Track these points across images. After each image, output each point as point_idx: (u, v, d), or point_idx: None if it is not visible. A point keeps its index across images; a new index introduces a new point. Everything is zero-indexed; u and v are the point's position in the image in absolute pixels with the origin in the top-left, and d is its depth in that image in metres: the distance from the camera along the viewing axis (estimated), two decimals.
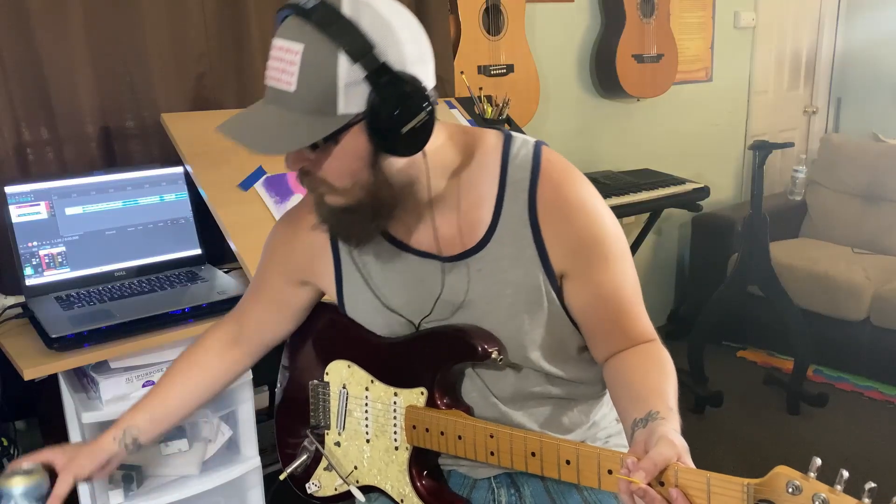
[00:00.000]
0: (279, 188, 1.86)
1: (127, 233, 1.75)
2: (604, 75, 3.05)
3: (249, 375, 1.66)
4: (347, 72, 0.84)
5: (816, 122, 4.28)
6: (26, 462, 1.08)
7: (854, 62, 4.18)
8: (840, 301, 3.06)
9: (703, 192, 2.90)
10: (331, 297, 1.14)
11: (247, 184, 1.83)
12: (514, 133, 1.05)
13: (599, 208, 1.01)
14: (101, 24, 1.82)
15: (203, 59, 2.00)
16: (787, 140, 3.05)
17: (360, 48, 0.84)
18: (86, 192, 1.71)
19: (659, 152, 3.38)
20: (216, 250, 1.86)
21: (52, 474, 1.09)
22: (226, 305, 1.61)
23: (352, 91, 0.85)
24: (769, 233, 2.79)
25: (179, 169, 1.83)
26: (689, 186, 2.88)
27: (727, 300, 2.93)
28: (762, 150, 2.70)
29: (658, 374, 0.97)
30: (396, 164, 0.92)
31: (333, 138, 0.88)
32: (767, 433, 2.74)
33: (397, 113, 0.86)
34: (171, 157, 1.85)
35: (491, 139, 1.04)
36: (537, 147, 1.02)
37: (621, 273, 1.02)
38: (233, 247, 1.71)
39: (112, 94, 1.87)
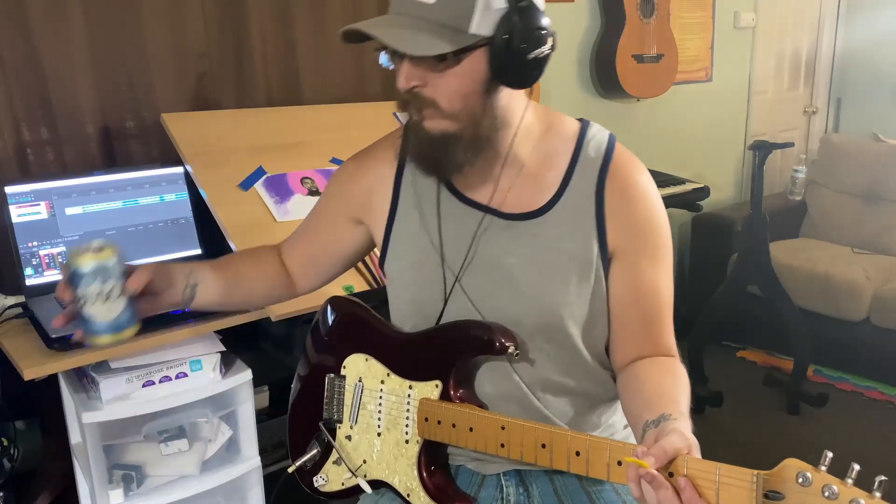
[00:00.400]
0: (279, 188, 1.86)
1: (127, 233, 1.75)
2: (604, 75, 3.05)
3: (249, 375, 1.66)
4: None
5: (816, 122, 4.28)
6: (95, 241, 0.99)
7: (854, 62, 4.18)
8: (840, 301, 3.06)
9: (703, 192, 2.90)
10: (377, 240, 1.16)
11: (247, 184, 1.83)
12: (591, 122, 1.11)
13: (660, 206, 1.06)
14: (101, 24, 1.83)
15: (203, 59, 2.00)
16: (787, 140, 3.05)
17: None
18: (86, 192, 1.71)
19: (659, 152, 3.38)
20: (216, 250, 1.85)
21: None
22: None
23: (487, 14, 0.89)
24: (769, 233, 2.79)
25: (179, 169, 1.83)
26: (689, 186, 2.88)
27: (727, 300, 2.92)
28: (762, 150, 2.70)
29: (672, 383, 0.99)
30: (501, 100, 0.96)
31: (458, 57, 0.91)
32: (767, 433, 2.74)
33: (525, 42, 0.90)
34: (171, 157, 1.85)
35: (570, 120, 1.10)
36: (612, 137, 1.08)
37: (664, 274, 1.05)
38: (233, 247, 1.70)
39: (112, 94, 1.87)
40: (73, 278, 0.97)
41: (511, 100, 0.99)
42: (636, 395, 1.01)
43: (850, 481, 0.72)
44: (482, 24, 0.90)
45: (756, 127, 3.90)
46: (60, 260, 1.66)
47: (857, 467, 0.72)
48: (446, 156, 0.98)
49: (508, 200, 1.05)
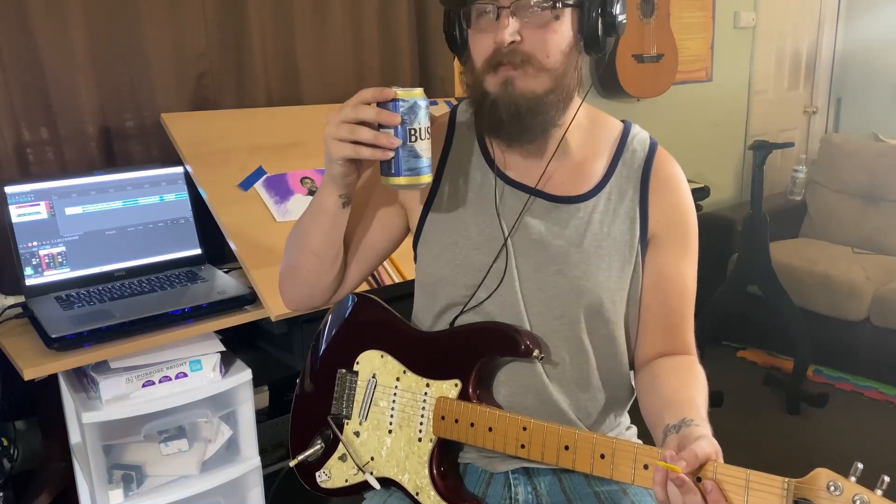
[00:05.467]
0: (279, 188, 1.86)
1: (127, 233, 1.75)
2: (604, 75, 3.05)
3: (249, 375, 1.67)
4: None
5: (816, 122, 4.28)
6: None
7: (854, 62, 4.18)
8: (840, 301, 3.06)
9: (703, 192, 2.90)
10: (413, 218, 1.13)
11: (247, 184, 1.83)
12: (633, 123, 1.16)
13: (693, 202, 1.12)
14: (101, 24, 1.82)
15: (203, 59, 2.00)
16: (787, 140, 3.05)
17: None
18: (86, 192, 1.71)
19: None
20: (216, 250, 1.86)
21: None
22: (226, 305, 1.62)
23: None
24: (769, 233, 2.79)
25: (179, 169, 1.83)
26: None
27: (727, 300, 2.93)
28: (762, 150, 2.70)
29: (693, 386, 1.00)
30: (580, 66, 1.02)
31: (559, 12, 0.97)
32: (767, 433, 2.74)
33: (610, 9, 0.98)
34: (171, 157, 1.85)
35: (613, 119, 1.14)
36: (654, 139, 1.13)
37: (690, 268, 1.09)
38: (233, 247, 1.71)
39: (112, 94, 1.87)
40: (411, 111, 0.94)
41: (577, 76, 1.03)
42: (656, 395, 1.01)
43: (879, 492, 0.72)
44: None
45: (756, 127, 3.90)
46: (61, 260, 1.66)
47: (887, 479, 0.73)
48: (534, 116, 1.00)
49: (554, 184, 1.07)
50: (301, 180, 1.91)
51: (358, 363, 1.17)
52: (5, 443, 1.65)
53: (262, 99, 2.10)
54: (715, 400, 2.85)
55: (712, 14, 3.51)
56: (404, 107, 0.94)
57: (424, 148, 0.96)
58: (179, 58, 1.96)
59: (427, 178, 0.97)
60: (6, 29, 1.70)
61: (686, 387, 1.00)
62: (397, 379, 1.12)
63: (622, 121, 1.14)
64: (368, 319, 1.19)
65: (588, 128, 1.10)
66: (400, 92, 0.94)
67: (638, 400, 1.09)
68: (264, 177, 1.86)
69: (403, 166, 0.95)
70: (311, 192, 1.89)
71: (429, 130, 0.96)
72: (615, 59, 2.96)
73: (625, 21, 1.01)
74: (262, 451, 1.72)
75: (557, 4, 0.96)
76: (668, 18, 3.12)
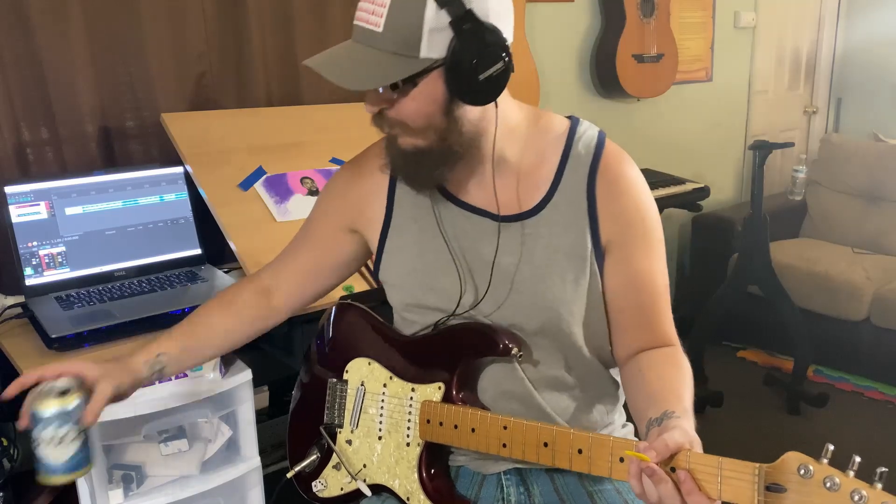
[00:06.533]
0: (279, 188, 1.86)
1: (127, 233, 1.75)
2: (604, 75, 3.05)
3: (249, 375, 1.66)
4: (434, 17, 0.89)
5: (816, 122, 4.28)
6: (61, 380, 0.99)
7: (854, 62, 4.18)
8: (840, 301, 3.06)
9: (703, 192, 2.90)
10: (372, 247, 1.16)
11: (247, 184, 1.83)
12: (581, 118, 1.11)
13: (650, 197, 1.07)
14: (101, 24, 1.82)
15: (203, 59, 2.00)
16: (787, 140, 3.05)
17: None
18: (86, 192, 1.71)
19: (659, 152, 3.38)
20: (216, 250, 1.86)
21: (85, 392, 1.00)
22: None
23: (435, 36, 0.90)
24: (769, 233, 2.79)
25: (179, 169, 1.83)
26: (689, 186, 2.88)
27: (727, 300, 2.92)
28: (762, 150, 2.70)
29: (676, 377, 0.99)
30: (469, 113, 0.97)
31: (413, 80, 0.92)
32: (767, 433, 2.74)
33: (476, 61, 0.91)
34: (171, 157, 1.85)
35: (558, 118, 1.11)
36: (601, 133, 1.09)
37: (657, 262, 1.06)
38: (233, 247, 1.70)
39: (112, 94, 1.87)
40: (32, 418, 0.97)
41: (485, 109, 0.98)
42: (640, 390, 1.01)
43: (851, 473, 0.72)
44: (432, 47, 0.90)
45: (756, 127, 3.90)
46: (61, 260, 1.66)
47: (858, 459, 0.73)
48: (419, 170, 1.00)
49: (503, 201, 1.06)
50: (301, 180, 1.91)
51: (347, 372, 1.18)
52: (5, 443, 1.65)
53: (262, 99, 2.10)
54: (715, 400, 2.86)
55: (712, 14, 3.51)
56: (34, 417, 0.96)
57: (52, 454, 0.97)
58: (179, 58, 1.96)
59: (64, 478, 0.98)
60: (6, 29, 1.70)
61: (669, 379, 0.99)
62: (384, 385, 1.13)
63: (569, 117, 1.11)
64: (354, 328, 1.19)
65: (530, 134, 1.07)
66: (34, 401, 0.96)
67: (625, 394, 1.09)
68: (264, 177, 1.86)
69: (41, 467, 0.98)
70: (311, 192, 1.89)
71: (62, 437, 0.96)
72: (615, 59, 2.96)
73: (498, 70, 0.93)
74: (262, 452, 1.72)
75: (398, 85, 0.92)
76: (668, 18, 3.12)
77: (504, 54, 0.93)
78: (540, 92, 2.74)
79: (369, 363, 1.15)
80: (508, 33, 0.96)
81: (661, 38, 3.09)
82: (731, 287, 2.92)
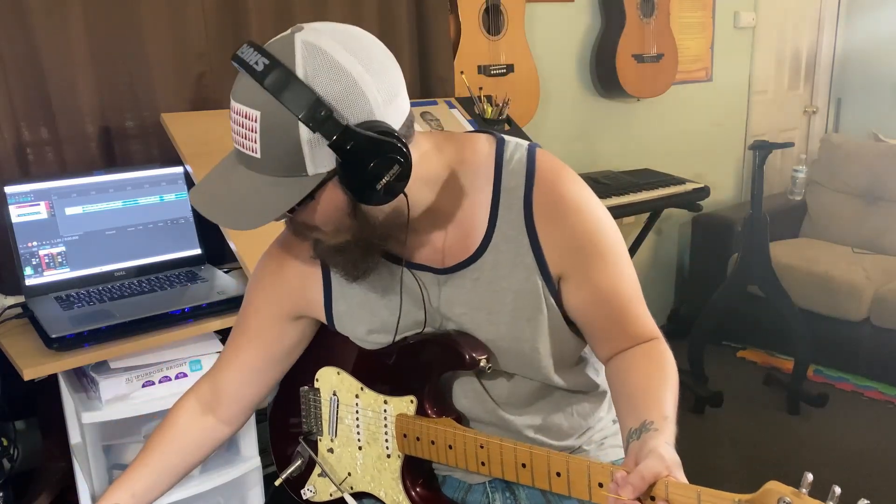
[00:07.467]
0: None
1: (127, 233, 1.75)
2: (604, 75, 3.05)
3: None
4: (309, 138, 0.81)
5: (816, 122, 4.28)
6: None
7: (854, 62, 4.18)
8: (840, 301, 3.06)
9: (703, 192, 2.90)
10: (321, 319, 1.11)
11: None
12: (506, 137, 1.03)
13: (594, 208, 1.00)
14: (101, 24, 1.82)
15: (203, 59, 2.00)
16: (787, 140, 3.05)
17: (319, 115, 0.80)
18: (86, 192, 1.71)
19: (659, 152, 3.38)
20: (216, 250, 1.86)
21: None
22: (226, 305, 1.62)
23: (318, 152, 0.83)
24: (769, 233, 2.79)
25: (179, 169, 1.83)
26: (689, 186, 2.88)
27: (727, 300, 2.92)
28: (762, 150, 2.70)
29: (657, 378, 0.97)
30: (377, 209, 0.90)
31: (310, 197, 0.86)
32: (767, 433, 2.74)
33: (368, 170, 0.83)
34: (171, 157, 1.85)
35: (482, 145, 1.01)
36: (531, 151, 1.00)
37: (619, 272, 1.01)
38: (233, 247, 1.71)
39: (112, 94, 1.87)
40: None
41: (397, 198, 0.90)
42: (620, 393, 1.00)
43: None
44: (318, 162, 0.83)
45: (756, 127, 3.90)
46: (60, 260, 1.66)
47: (838, 490, 0.71)
48: (347, 264, 0.95)
49: (445, 253, 1.01)
50: None
51: (317, 380, 1.15)
52: (5, 443, 1.65)
53: None
54: (715, 400, 2.86)
55: (712, 14, 3.51)
56: None
57: None
58: (179, 58, 1.96)
59: None
60: (6, 29, 1.70)
61: (648, 378, 0.97)
62: (356, 396, 1.11)
63: (493, 136, 1.02)
64: (324, 335, 1.15)
65: (449, 177, 0.97)
66: None
67: (611, 395, 1.07)
68: None
69: None
70: None
71: None
72: (615, 59, 2.96)
73: (399, 169, 0.85)
74: (262, 451, 1.72)
75: (294, 209, 0.87)
76: (668, 18, 3.12)
77: (397, 154, 0.84)
78: (540, 92, 2.74)
79: (338, 372, 1.13)
80: (401, 110, 0.87)
81: (661, 38, 3.09)
82: (731, 287, 2.92)
